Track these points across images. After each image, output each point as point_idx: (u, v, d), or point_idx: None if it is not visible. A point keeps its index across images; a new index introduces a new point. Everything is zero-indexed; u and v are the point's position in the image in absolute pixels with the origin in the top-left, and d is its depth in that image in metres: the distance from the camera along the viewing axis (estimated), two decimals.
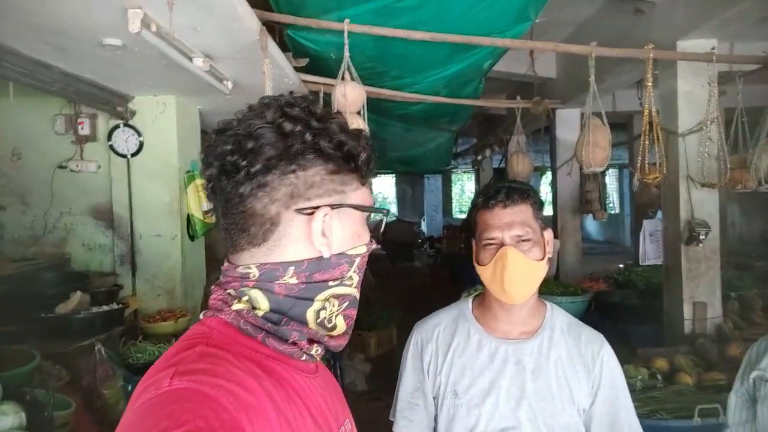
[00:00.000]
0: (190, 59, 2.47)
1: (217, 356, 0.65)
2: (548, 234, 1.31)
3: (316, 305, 0.73)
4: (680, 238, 3.34)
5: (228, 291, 0.73)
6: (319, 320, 0.75)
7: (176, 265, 3.61)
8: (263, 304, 0.72)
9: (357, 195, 0.76)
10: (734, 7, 2.82)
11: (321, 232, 0.71)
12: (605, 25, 4.25)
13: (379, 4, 2.67)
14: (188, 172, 3.69)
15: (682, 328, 3.32)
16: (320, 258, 0.72)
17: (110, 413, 2.32)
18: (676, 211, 3.38)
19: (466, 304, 1.41)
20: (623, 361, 1.42)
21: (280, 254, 0.72)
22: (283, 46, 3.14)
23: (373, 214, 0.79)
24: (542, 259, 1.27)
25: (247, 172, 0.68)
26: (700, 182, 3.19)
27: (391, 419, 1.40)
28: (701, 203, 3.32)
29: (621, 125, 7.24)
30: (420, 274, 11.70)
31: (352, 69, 2.78)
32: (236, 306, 0.71)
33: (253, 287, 0.72)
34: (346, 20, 2.68)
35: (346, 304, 0.77)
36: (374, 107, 3.96)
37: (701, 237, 3.21)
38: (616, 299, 4.24)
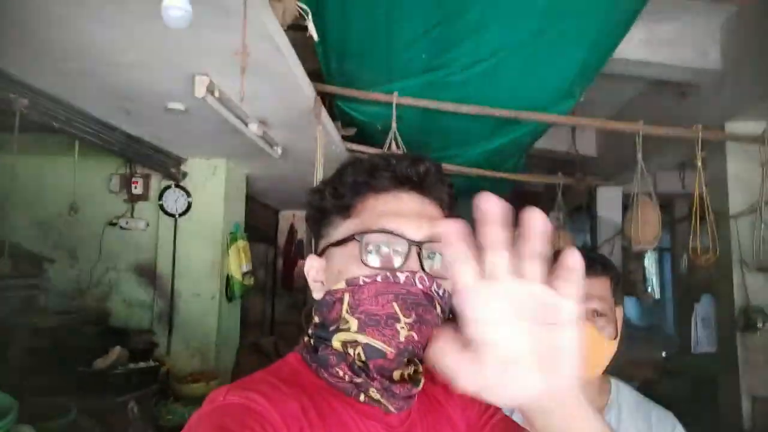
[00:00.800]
0: (246, 124, 2.58)
1: (269, 383, 0.70)
2: (620, 312, 1.21)
3: (336, 345, 0.72)
4: (735, 325, 3.17)
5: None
6: (349, 359, 0.71)
7: (212, 325, 3.60)
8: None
9: (338, 232, 0.75)
10: None
11: (313, 279, 0.78)
12: (648, 106, 4.29)
13: (428, 78, 2.77)
14: (231, 233, 3.76)
15: (741, 425, 3.07)
16: (320, 299, 0.76)
17: None
18: (730, 296, 3.23)
19: None
20: None
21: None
22: (332, 116, 3.26)
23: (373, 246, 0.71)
24: (615, 338, 1.17)
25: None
26: (755, 266, 3.06)
27: None
28: (757, 289, 3.17)
29: (662, 207, 7.13)
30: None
31: (399, 139, 2.85)
32: (305, 339, 0.78)
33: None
34: (395, 93, 2.77)
35: (366, 353, 0.69)
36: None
37: (758, 325, 3.04)
38: (666, 389, 4.00)
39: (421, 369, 0.72)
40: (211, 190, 3.71)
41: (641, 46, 3.30)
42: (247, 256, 3.85)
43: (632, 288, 5.24)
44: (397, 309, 0.67)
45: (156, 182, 3.76)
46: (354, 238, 0.71)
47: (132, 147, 3.06)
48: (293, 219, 6.08)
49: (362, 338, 0.68)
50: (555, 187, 5.03)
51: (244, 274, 3.76)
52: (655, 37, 3.29)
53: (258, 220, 4.84)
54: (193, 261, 3.65)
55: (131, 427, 2.28)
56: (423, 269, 0.69)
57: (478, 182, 4.86)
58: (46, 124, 2.35)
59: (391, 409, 0.70)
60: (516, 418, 0.80)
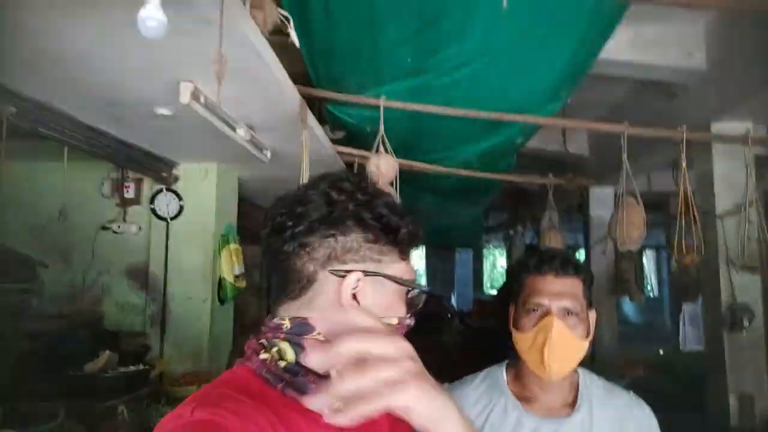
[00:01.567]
0: (234, 129, 2.60)
1: (233, 398, 0.69)
2: (593, 315, 1.25)
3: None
4: (722, 324, 3.20)
5: (261, 341, 0.78)
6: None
7: (204, 328, 3.62)
8: (289, 355, 0.74)
9: (395, 267, 0.79)
10: (766, 91, 2.85)
11: (351, 295, 0.74)
12: (638, 106, 4.32)
13: (415, 82, 2.80)
14: (223, 235, 3.78)
15: (728, 421, 3.10)
16: None
17: None
18: (717, 295, 3.26)
19: (500, 374, 1.31)
20: None
21: (312, 311, 0.75)
22: (322, 120, 3.28)
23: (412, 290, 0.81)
24: (586, 338, 1.20)
25: (292, 232, 0.75)
26: (741, 265, 3.09)
27: None
28: (743, 287, 3.21)
29: (657, 206, 7.16)
30: (449, 350, 11.36)
31: (387, 142, 2.88)
32: (263, 356, 0.75)
33: (283, 339, 0.75)
34: (383, 97, 2.80)
35: None
36: (407, 179, 4.04)
37: (744, 323, 3.07)
38: (655, 387, 4.03)
39: None
40: (203, 194, 3.73)
41: (628, 48, 3.34)
42: (240, 259, 3.87)
43: (625, 287, 5.26)
44: None
45: (148, 186, 3.78)
46: (418, 286, 0.82)
47: (123, 152, 3.08)
48: None
49: None
50: (548, 188, 5.07)
51: (236, 277, 3.78)
52: (641, 38, 3.32)
53: (251, 222, 4.86)
54: (186, 264, 3.66)
55: (120, 430, 2.30)
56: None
57: (470, 183, 4.90)
58: (34, 131, 2.37)
59: None
60: None
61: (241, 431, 0.64)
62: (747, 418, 3.06)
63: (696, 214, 2.96)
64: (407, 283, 0.80)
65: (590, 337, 1.23)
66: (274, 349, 0.75)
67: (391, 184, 2.92)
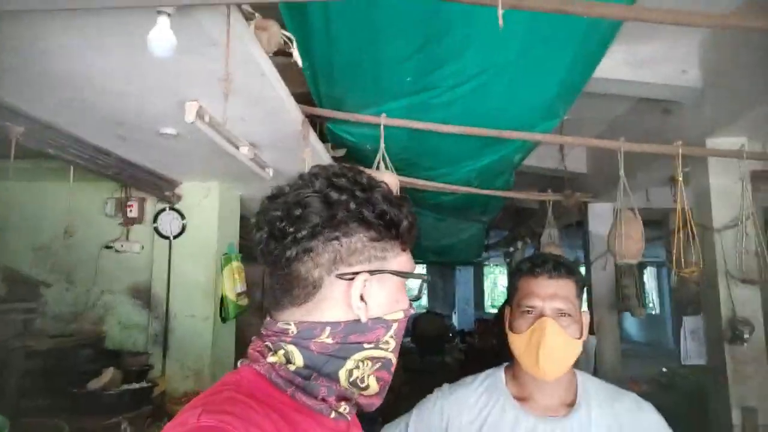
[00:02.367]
0: (237, 147, 2.65)
1: (241, 402, 0.68)
2: (585, 317, 1.28)
3: (350, 364, 0.75)
4: (723, 337, 3.21)
5: (266, 343, 0.76)
6: (351, 379, 0.75)
7: (206, 346, 3.63)
8: (297, 359, 0.74)
9: (397, 261, 0.79)
10: (759, 107, 2.90)
11: (360, 297, 0.74)
12: (636, 122, 4.38)
13: (414, 100, 2.85)
14: (225, 254, 3.81)
15: None
16: (357, 321, 0.75)
17: None
18: (717, 309, 3.27)
19: (499, 375, 1.34)
20: None
21: (319, 315, 0.75)
22: (323, 138, 3.33)
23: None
24: (579, 338, 1.24)
25: (294, 237, 0.73)
26: (740, 278, 3.11)
27: None
28: (743, 301, 3.22)
29: (657, 222, 7.20)
30: (450, 369, 11.29)
31: (387, 159, 2.92)
32: (271, 359, 0.74)
33: (290, 342, 0.74)
34: (383, 114, 2.86)
35: (379, 365, 0.78)
36: (407, 196, 4.08)
37: (745, 336, 3.08)
38: (659, 402, 4.01)
39: None
40: (205, 212, 3.77)
41: (622, 66, 3.40)
42: (242, 277, 3.89)
43: (626, 303, 5.27)
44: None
45: (151, 205, 3.82)
46: (420, 276, 0.87)
47: (127, 171, 3.13)
48: None
49: (391, 356, 0.79)
50: (547, 204, 5.11)
51: (238, 295, 3.80)
52: (636, 57, 3.39)
53: (253, 240, 4.89)
54: (188, 282, 3.69)
55: None
56: None
57: (470, 200, 4.94)
58: (41, 151, 2.41)
59: (348, 416, 0.77)
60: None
61: None
62: (751, 431, 3.05)
63: (693, 228, 2.99)
64: (412, 276, 0.81)
65: (583, 338, 1.26)
66: (281, 352, 0.74)
67: None
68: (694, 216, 3.16)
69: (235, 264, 3.83)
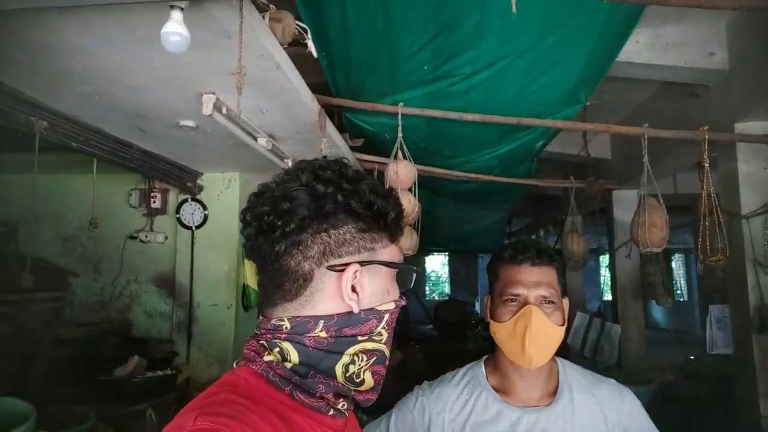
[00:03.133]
0: (255, 139, 2.66)
1: (238, 403, 0.67)
2: (566, 302, 1.27)
3: (345, 359, 0.75)
4: (750, 326, 3.13)
5: (261, 342, 0.76)
6: (347, 374, 0.76)
7: (229, 334, 3.69)
8: (293, 356, 0.73)
9: (386, 252, 0.79)
10: None
11: (351, 288, 0.74)
12: (661, 107, 4.27)
13: (431, 88, 2.83)
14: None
15: (759, 424, 3.03)
16: (350, 313, 0.74)
17: None
18: (744, 297, 3.19)
19: (479, 369, 1.32)
20: None
21: (312, 309, 0.74)
22: (342, 128, 3.33)
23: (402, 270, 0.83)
24: (562, 325, 1.22)
25: (282, 231, 0.72)
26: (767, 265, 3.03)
27: None
28: None
29: (684, 208, 7.04)
30: (474, 357, 11.26)
31: (405, 148, 2.91)
32: (267, 357, 0.74)
33: (285, 339, 0.74)
34: (400, 104, 2.84)
35: (374, 359, 0.78)
36: (427, 185, 4.06)
37: None
38: (684, 391, 3.96)
39: None
40: (227, 203, 3.82)
41: (647, 49, 3.31)
42: None
43: (651, 291, 5.18)
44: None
45: (173, 196, 3.88)
46: (410, 267, 0.83)
47: (149, 163, 3.18)
48: None
49: (384, 348, 0.79)
50: (570, 191, 5.03)
51: None
52: (661, 39, 3.29)
53: None
54: (210, 272, 3.75)
55: None
56: None
57: (490, 186, 4.89)
58: (65, 144, 2.46)
59: (346, 413, 0.78)
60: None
61: None
62: None
63: (720, 215, 2.91)
64: (402, 266, 0.81)
65: (566, 324, 1.24)
66: (276, 350, 0.73)
67: (410, 189, 2.95)
68: (721, 202, 3.08)
69: None
